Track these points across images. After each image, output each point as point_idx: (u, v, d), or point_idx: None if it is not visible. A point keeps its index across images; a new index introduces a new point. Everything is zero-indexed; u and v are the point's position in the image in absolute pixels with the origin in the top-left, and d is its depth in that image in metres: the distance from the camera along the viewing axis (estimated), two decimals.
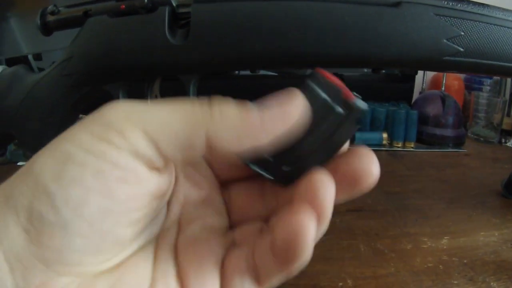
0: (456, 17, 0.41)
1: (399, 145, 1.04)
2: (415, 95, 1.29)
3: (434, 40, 0.41)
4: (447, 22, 0.41)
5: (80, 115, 0.52)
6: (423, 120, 1.10)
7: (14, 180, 0.22)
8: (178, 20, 0.44)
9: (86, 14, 0.46)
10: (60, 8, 0.49)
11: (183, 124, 0.22)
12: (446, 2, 0.42)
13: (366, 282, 0.46)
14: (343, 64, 0.44)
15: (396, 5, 0.41)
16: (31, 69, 0.53)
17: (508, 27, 0.42)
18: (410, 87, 1.25)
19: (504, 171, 0.72)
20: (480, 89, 1.30)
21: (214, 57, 0.43)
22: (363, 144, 0.86)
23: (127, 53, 0.44)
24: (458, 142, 1.10)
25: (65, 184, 0.20)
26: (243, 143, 0.23)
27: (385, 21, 0.41)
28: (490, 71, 0.44)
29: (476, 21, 0.41)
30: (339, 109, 0.24)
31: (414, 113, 1.03)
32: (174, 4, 0.44)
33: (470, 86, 1.36)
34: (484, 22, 0.42)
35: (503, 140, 1.15)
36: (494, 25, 0.42)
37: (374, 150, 0.74)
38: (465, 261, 0.50)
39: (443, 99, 1.11)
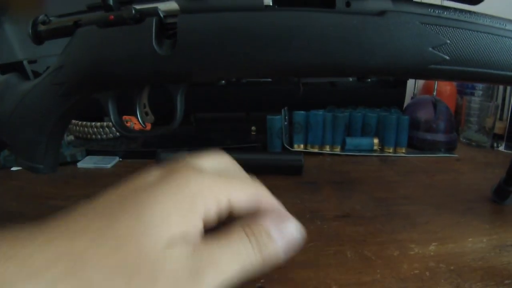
0: (442, 25, 0.41)
1: (390, 151, 1.03)
2: (407, 100, 1.29)
3: (419, 49, 0.41)
4: (432, 30, 0.41)
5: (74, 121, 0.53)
6: (415, 125, 1.10)
7: None
8: (166, 30, 0.45)
9: (76, 24, 0.47)
10: (51, 18, 0.50)
11: (252, 200, 0.33)
12: (432, 10, 0.42)
13: None
14: (326, 73, 0.44)
15: (381, 14, 0.41)
16: (25, 75, 0.54)
17: (495, 34, 0.42)
18: (401, 93, 1.25)
19: (495, 176, 0.71)
20: (473, 94, 1.30)
21: (200, 67, 0.44)
22: (354, 149, 0.87)
23: (116, 63, 0.45)
24: (450, 147, 1.10)
25: None
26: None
27: (369, 31, 0.41)
28: (477, 78, 0.45)
29: (462, 28, 0.42)
30: None
31: (405, 119, 1.02)
32: (161, 15, 0.44)
33: (462, 91, 1.36)
34: (471, 30, 0.42)
35: (495, 145, 1.15)
36: (481, 32, 0.42)
37: (364, 156, 0.76)
38: (452, 267, 0.50)
39: (435, 104, 1.11)
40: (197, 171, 0.31)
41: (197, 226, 0.29)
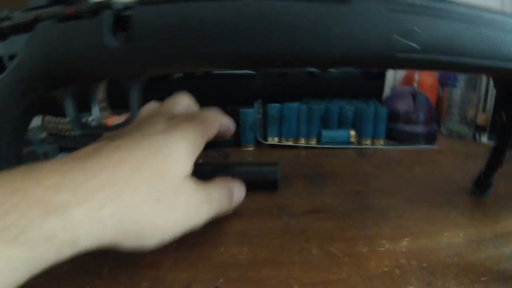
0: (410, 12, 0.40)
1: (368, 143, 1.01)
2: (386, 92, 1.27)
3: (385, 37, 0.39)
4: (401, 17, 0.39)
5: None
6: (394, 117, 1.08)
7: None
8: (123, 23, 0.43)
9: (36, 19, 0.46)
10: (14, 14, 0.50)
11: None
12: None
13: None
14: (287, 64, 0.43)
15: (344, 1, 0.39)
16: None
17: (468, 22, 0.41)
18: (381, 84, 1.24)
19: (476, 168, 0.69)
20: (454, 85, 1.28)
21: (155, 61, 0.43)
22: (330, 142, 0.84)
23: (71, 57, 0.44)
24: (430, 138, 1.08)
25: None
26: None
27: (331, 19, 0.39)
28: (450, 68, 0.43)
29: (433, 16, 0.40)
30: None
31: (383, 110, 1.00)
32: (118, 7, 0.43)
33: (444, 82, 1.34)
34: (443, 17, 0.40)
35: (477, 136, 1.13)
36: (454, 20, 0.40)
37: (341, 148, 0.74)
38: (424, 264, 0.47)
39: (414, 95, 1.10)
40: (191, 121, 0.46)
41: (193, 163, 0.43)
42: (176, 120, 0.46)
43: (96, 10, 0.43)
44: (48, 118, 1.06)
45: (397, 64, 0.42)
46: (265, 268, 0.46)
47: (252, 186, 0.56)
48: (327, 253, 0.50)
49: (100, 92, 0.55)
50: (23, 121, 0.52)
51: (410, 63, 0.41)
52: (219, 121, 0.53)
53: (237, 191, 0.52)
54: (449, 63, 0.41)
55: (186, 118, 0.47)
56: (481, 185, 0.69)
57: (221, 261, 0.46)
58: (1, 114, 0.49)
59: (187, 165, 0.42)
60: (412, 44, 0.39)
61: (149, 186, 0.36)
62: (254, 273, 0.45)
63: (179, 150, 0.42)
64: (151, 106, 0.55)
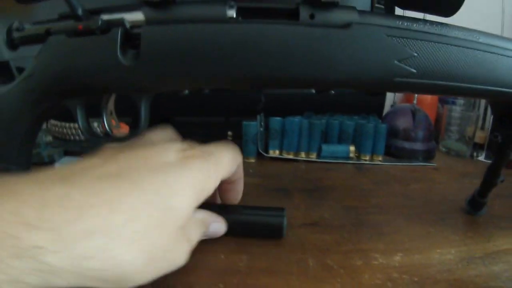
0: (409, 38, 0.41)
1: (367, 158, 1.02)
2: (387, 108, 1.28)
3: (385, 62, 0.41)
4: (399, 43, 0.41)
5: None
6: (393, 133, 1.10)
7: None
8: (132, 40, 0.45)
9: (48, 32, 0.48)
10: (25, 25, 0.51)
11: None
12: (400, 23, 0.42)
13: None
14: (288, 86, 0.45)
15: (346, 26, 0.41)
16: (10, 75, 0.57)
17: (466, 47, 0.42)
18: (381, 101, 1.24)
19: (472, 186, 0.70)
20: (454, 103, 1.30)
21: (162, 78, 0.44)
22: (330, 156, 0.85)
23: (82, 71, 0.46)
24: (428, 156, 1.09)
25: None
26: None
27: (332, 44, 0.41)
28: (446, 92, 0.44)
29: (431, 41, 0.41)
30: None
31: (383, 127, 1.01)
32: (127, 26, 0.44)
33: (443, 100, 1.36)
34: (440, 43, 0.42)
35: (475, 154, 1.14)
36: (451, 45, 0.42)
37: (340, 163, 0.75)
38: (415, 279, 0.49)
39: (414, 112, 1.11)
40: (206, 160, 0.41)
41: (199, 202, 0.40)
42: (191, 153, 0.41)
43: (107, 28, 0.45)
44: (53, 122, 1.08)
45: (394, 88, 0.43)
46: (263, 276, 0.48)
47: (254, 234, 0.55)
48: (323, 264, 0.51)
49: (110, 103, 0.56)
50: (34, 127, 0.53)
51: (407, 87, 0.42)
52: (236, 163, 0.49)
53: (213, 227, 0.49)
54: (445, 87, 0.42)
55: (202, 154, 0.42)
56: (475, 205, 0.70)
57: (221, 267, 0.48)
58: (12, 121, 0.51)
59: (189, 214, 0.38)
60: (410, 69, 0.40)
61: (145, 238, 0.32)
62: (253, 281, 0.47)
63: (187, 196, 0.37)
64: (168, 131, 0.49)
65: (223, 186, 0.51)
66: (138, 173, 0.34)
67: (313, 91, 0.47)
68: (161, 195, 0.34)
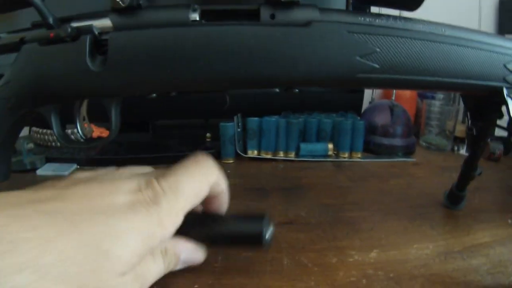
0: (371, 34, 0.41)
1: (345, 156, 1.02)
2: (365, 105, 1.28)
3: (347, 58, 0.41)
4: (361, 39, 0.41)
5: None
6: (372, 130, 1.10)
7: None
8: (101, 47, 0.45)
9: (22, 41, 0.49)
10: (1, 34, 0.51)
11: None
12: (362, 19, 0.42)
13: None
14: (253, 86, 0.45)
15: (306, 25, 0.41)
16: None
17: (431, 41, 0.42)
18: (359, 97, 1.24)
19: (451, 181, 0.70)
20: (433, 97, 1.30)
21: (129, 83, 0.45)
22: (308, 155, 0.85)
23: (54, 78, 0.46)
24: (408, 151, 1.10)
25: None
26: None
27: (293, 42, 0.41)
28: (412, 86, 0.45)
29: (394, 36, 0.42)
30: None
31: (361, 123, 1.01)
32: (95, 32, 0.45)
33: (422, 95, 1.36)
34: (403, 37, 0.42)
35: (455, 148, 1.15)
36: (415, 39, 0.42)
37: (319, 161, 0.74)
38: (391, 275, 0.48)
39: (392, 108, 1.11)
40: (157, 204, 0.37)
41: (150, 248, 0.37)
42: (142, 197, 0.37)
43: (77, 35, 0.45)
44: (34, 129, 1.08)
45: (358, 84, 0.43)
46: (238, 276, 0.48)
47: (235, 244, 0.49)
48: (297, 262, 0.51)
49: (83, 109, 0.56)
50: (11, 133, 0.53)
51: (371, 82, 0.42)
52: (209, 184, 0.44)
53: (186, 258, 0.44)
54: (410, 82, 0.42)
55: (153, 197, 0.38)
56: (454, 198, 0.70)
57: (196, 268, 0.47)
58: None
59: (133, 260, 0.34)
60: (373, 64, 0.40)
61: (77, 280, 0.30)
62: (227, 280, 0.47)
63: (130, 243, 0.34)
64: (147, 168, 0.47)
65: (206, 200, 0.45)
66: (80, 214, 0.33)
67: (277, 90, 0.47)
68: (99, 239, 0.32)
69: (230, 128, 0.98)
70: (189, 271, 0.47)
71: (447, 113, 1.15)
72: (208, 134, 1.11)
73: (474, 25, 1.43)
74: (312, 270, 0.49)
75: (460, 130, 1.17)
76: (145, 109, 0.98)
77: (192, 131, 1.22)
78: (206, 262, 0.48)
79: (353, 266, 0.50)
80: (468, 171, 0.65)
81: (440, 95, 1.29)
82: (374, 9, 0.55)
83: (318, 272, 0.49)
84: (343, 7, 1.05)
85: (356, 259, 0.52)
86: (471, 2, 1.45)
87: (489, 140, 0.60)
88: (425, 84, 0.43)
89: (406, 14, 0.44)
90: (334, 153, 1.03)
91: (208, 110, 1.15)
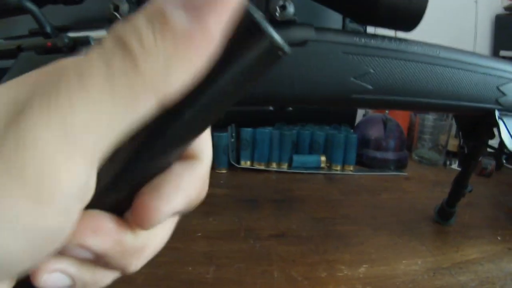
0: (366, 55, 0.42)
1: (338, 169, 1.03)
2: (359, 118, 1.29)
3: (341, 79, 0.41)
4: (355, 60, 0.41)
5: None
6: (365, 143, 1.10)
7: None
8: None
9: (19, 49, 0.48)
10: None
11: None
12: (358, 39, 0.42)
13: None
14: (247, 103, 0.44)
15: (302, 44, 0.41)
16: None
17: (425, 63, 0.43)
18: (353, 110, 1.24)
19: (443, 195, 0.71)
20: (427, 112, 1.30)
21: None
22: (301, 167, 0.85)
23: None
24: (400, 165, 1.10)
25: None
26: None
27: (288, 61, 0.41)
28: (405, 107, 0.45)
29: (388, 57, 0.42)
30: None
31: (354, 137, 1.02)
32: (92, 43, 0.45)
33: None
34: (398, 59, 0.42)
35: (448, 162, 1.15)
36: (409, 61, 0.42)
37: (311, 174, 0.75)
38: None
39: (385, 122, 1.11)
40: None
41: None
42: None
43: (73, 46, 0.45)
44: None
45: (352, 104, 0.43)
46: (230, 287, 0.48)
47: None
48: (287, 276, 0.51)
49: None
50: None
51: (364, 103, 0.42)
52: None
53: None
54: (403, 103, 0.43)
55: None
56: (444, 214, 0.70)
57: (188, 279, 0.47)
58: None
59: None
60: (366, 85, 0.41)
61: None
62: None
63: None
64: None
65: None
66: None
67: (271, 108, 0.47)
68: None
69: (224, 138, 0.98)
70: (182, 282, 0.47)
71: (440, 127, 1.16)
72: None
73: (470, 41, 1.44)
74: (302, 283, 0.50)
75: (453, 144, 1.17)
76: None
77: None
78: (197, 273, 0.48)
79: (343, 281, 0.51)
80: (458, 188, 0.66)
81: None
82: (369, 29, 0.55)
83: (308, 286, 0.49)
84: (340, 26, 1.05)
85: (346, 273, 0.52)
86: (467, 17, 1.46)
87: (480, 158, 0.60)
88: (418, 106, 0.44)
89: (401, 34, 0.44)
90: (326, 166, 1.04)
91: None
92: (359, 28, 0.86)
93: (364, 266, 0.54)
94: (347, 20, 1.06)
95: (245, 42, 0.18)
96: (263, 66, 0.19)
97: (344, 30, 0.43)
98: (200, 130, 0.20)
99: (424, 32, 0.44)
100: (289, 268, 0.53)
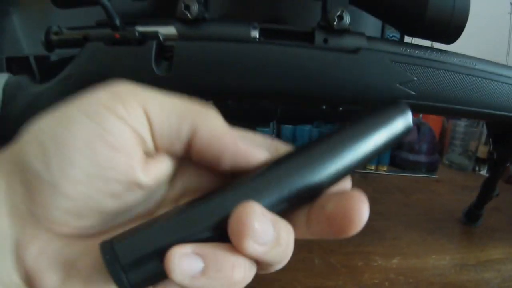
0: (410, 64, 0.45)
1: (372, 168, 1.07)
2: None
3: (388, 84, 0.45)
4: (401, 68, 0.45)
5: None
6: (399, 145, 1.14)
7: (20, 137, 0.24)
8: (164, 52, 0.48)
9: (86, 38, 0.50)
10: (63, 29, 0.52)
11: (178, 114, 0.25)
12: (404, 49, 0.46)
13: None
14: (300, 101, 0.49)
15: (355, 51, 0.45)
16: (33, 77, 0.56)
17: (462, 73, 0.46)
18: None
19: (471, 199, 0.74)
20: (459, 118, 1.32)
21: (191, 88, 0.46)
22: None
23: (118, 78, 0.48)
24: (431, 168, 1.13)
25: (59, 142, 0.22)
26: (212, 149, 0.25)
27: (343, 66, 0.45)
28: (443, 112, 0.48)
29: (430, 67, 0.45)
30: None
31: None
32: (161, 38, 0.47)
33: None
34: (438, 69, 0.45)
35: (477, 168, 1.18)
36: (448, 71, 0.46)
37: None
38: (411, 280, 0.53)
39: (419, 126, 1.15)
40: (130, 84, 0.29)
41: None
42: None
43: (143, 39, 0.48)
44: None
45: None
46: (273, 272, 0.52)
47: None
48: (327, 263, 0.56)
49: None
50: None
51: None
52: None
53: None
54: (441, 109, 0.46)
55: None
56: (472, 216, 0.74)
57: None
58: None
59: None
60: (410, 91, 0.45)
61: None
62: (263, 275, 0.51)
63: None
64: None
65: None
66: None
67: (324, 107, 0.50)
68: None
69: (266, 134, 1.01)
70: None
71: (471, 134, 1.19)
72: None
73: (503, 53, 1.44)
74: (341, 270, 0.55)
75: (483, 151, 1.19)
76: None
77: None
78: None
79: (377, 270, 0.56)
80: (486, 191, 0.70)
81: None
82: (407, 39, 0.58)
83: (346, 273, 0.54)
84: (378, 35, 1.08)
85: (380, 263, 0.57)
86: (501, 29, 1.46)
87: (508, 164, 0.63)
88: (454, 112, 0.47)
89: (438, 45, 0.48)
90: None
91: (243, 116, 1.18)
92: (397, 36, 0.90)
93: (396, 258, 0.59)
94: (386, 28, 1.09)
95: None
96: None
97: (391, 40, 0.46)
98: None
99: (459, 43, 0.47)
100: (328, 256, 0.58)
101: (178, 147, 0.25)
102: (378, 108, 0.28)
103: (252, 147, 0.25)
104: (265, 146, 0.27)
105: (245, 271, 0.23)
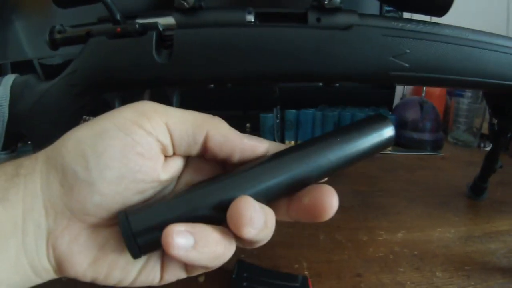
0: (402, 37, 0.46)
1: None
2: (396, 101, 1.33)
3: (381, 58, 0.46)
4: (394, 41, 0.46)
5: (85, 117, 0.58)
6: (402, 124, 1.15)
7: (56, 144, 0.30)
8: (164, 41, 0.50)
9: (88, 34, 0.52)
10: (66, 28, 0.54)
11: (193, 124, 0.31)
12: (395, 23, 0.47)
13: (319, 265, 0.51)
14: (300, 80, 0.49)
15: (347, 28, 0.46)
16: (39, 77, 0.57)
17: (455, 44, 0.47)
18: (391, 93, 1.29)
19: (476, 174, 0.75)
20: (462, 95, 1.32)
21: (192, 74, 0.49)
22: None
23: (121, 69, 0.50)
24: (436, 146, 1.14)
25: (98, 151, 0.28)
26: (224, 148, 0.31)
27: (336, 43, 0.46)
28: (438, 83, 0.49)
29: (422, 39, 0.46)
30: None
31: (392, 118, 1.07)
32: (160, 29, 0.49)
33: (451, 92, 1.39)
34: (430, 40, 0.46)
35: (482, 145, 1.18)
36: (441, 42, 0.46)
37: None
38: (415, 252, 0.54)
39: (422, 105, 1.15)
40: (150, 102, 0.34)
41: None
42: None
43: (143, 31, 0.49)
44: (86, 117, 1.12)
45: (390, 81, 0.47)
46: (279, 248, 0.54)
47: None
48: (332, 239, 0.57)
49: (145, 98, 0.59)
50: (75, 118, 0.57)
51: (401, 79, 0.47)
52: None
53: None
54: (436, 79, 0.47)
55: None
56: (476, 189, 0.75)
57: None
58: (55, 112, 0.54)
59: None
60: (403, 63, 0.45)
61: None
62: (270, 252, 0.53)
63: None
64: None
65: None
66: None
67: (320, 84, 0.51)
68: None
69: (270, 119, 1.04)
70: None
71: (474, 111, 1.19)
72: (248, 125, 1.16)
73: (502, 29, 1.44)
74: (346, 245, 0.56)
75: (487, 127, 1.18)
76: (190, 101, 1.02)
77: (232, 122, 1.25)
78: None
79: (382, 244, 0.56)
80: (489, 164, 0.71)
81: (468, 93, 1.31)
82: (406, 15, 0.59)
83: (351, 247, 0.55)
84: (377, 12, 1.08)
85: (385, 238, 0.58)
86: (499, 6, 1.46)
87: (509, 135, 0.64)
88: (450, 82, 0.48)
89: (435, 19, 0.48)
90: None
91: (247, 102, 1.18)
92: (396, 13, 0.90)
93: (401, 232, 0.60)
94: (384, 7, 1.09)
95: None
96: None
97: (383, 15, 0.47)
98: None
99: (458, 17, 0.47)
100: (334, 232, 0.59)
101: (195, 149, 0.31)
102: (364, 119, 0.34)
103: (255, 141, 0.33)
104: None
105: (225, 247, 0.29)
